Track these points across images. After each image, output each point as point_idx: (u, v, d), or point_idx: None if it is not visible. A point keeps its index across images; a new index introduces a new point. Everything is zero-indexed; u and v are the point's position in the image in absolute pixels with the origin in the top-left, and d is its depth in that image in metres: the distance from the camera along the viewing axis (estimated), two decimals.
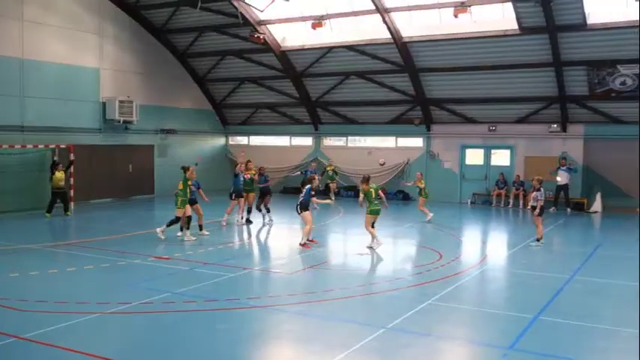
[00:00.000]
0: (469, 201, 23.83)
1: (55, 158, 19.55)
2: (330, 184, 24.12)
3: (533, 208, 14.46)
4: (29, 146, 19.99)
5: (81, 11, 22.30)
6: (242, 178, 17.23)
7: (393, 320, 8.40)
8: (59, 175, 18.59)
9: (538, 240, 14.45)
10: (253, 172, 17.86)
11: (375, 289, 10.33)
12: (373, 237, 13.70)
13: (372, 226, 13.81)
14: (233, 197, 17.19)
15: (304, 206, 13.92)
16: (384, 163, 24.24)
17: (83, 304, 8.95)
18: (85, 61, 22.45)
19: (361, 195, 14.21)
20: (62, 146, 20.79)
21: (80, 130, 22.10)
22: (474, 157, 24.29)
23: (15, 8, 20.00)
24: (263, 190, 18.05)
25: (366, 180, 14.03)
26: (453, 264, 12.33)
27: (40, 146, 20.28)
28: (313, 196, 14.36)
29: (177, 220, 14.47)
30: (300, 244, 13.85)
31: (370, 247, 13.65)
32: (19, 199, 19.38)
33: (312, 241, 14.17)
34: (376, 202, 13.80)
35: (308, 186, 14.11)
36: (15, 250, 13.30)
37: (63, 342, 7.38)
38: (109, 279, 10.95)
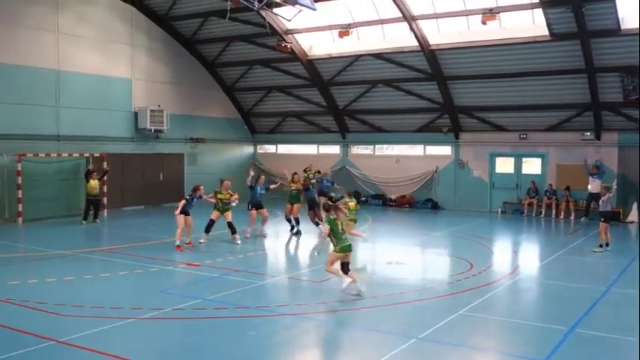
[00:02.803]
0: (499, 210, 23.53)
1: (90, 167, 19.88)
2: None
3: (603, 214, 14.83)
4: (65, 155, 20.49)
5: (114, 23, 22.77)
6: (258, 191, 16.54)
7: (425, 330, 8.34)
8: (93, 183, 18.94)
9: (601, 246, 14.73)
10: (299, 184, 17.84)
11: (405, 298, 10.25)
12: (348, 278, 10.28)
13: (345, 269, 10.29)
14: (250, 208, 16.55)
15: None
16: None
17: (118, 310, 9.10)
18: (118, 72, 22.90)
19: (325, 228, 10.44)
20: (96, 155, 21.29)
21: (113, 139, 22.53)
22: (505, 165, 24.00)
23: (50, 20, 20.51)
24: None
25: (329, 208, 10.66)
26: (485, 274, 12.20)
27: (74, 155, 20.77)
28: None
29: (213, 222, 15.46)
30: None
31: (357, 294, 10.09)
32: (54, 206, 19.77)
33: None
34: (344, 236, 10.34)
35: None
36: (52, 256, 13.58)
37: (99, 346, 7.51)
38: (142, 285, 11.11)
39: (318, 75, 25.06)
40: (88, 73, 21.67)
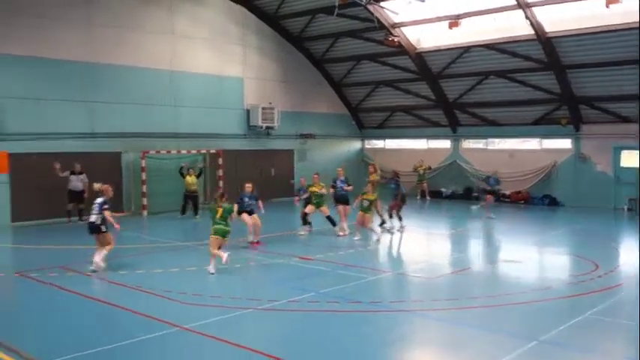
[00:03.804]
0: (625, 207, 21.88)
1: (184, 164, 20.51)
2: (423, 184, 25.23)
3: None
4: (183, 152, 21.62)
5: (226, 23, 23.64)
6: (338, 184, 16.53)
7: (547, 333, 7.92)
8: (190, 179, 19.66)
9: None
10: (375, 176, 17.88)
11: (524, 298, 9.78)
12: (212, 258, 11.43)
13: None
14: (335, 204, 16.57)
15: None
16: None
17: (236, 300, 9.46)
18: (231, 71, 23.76)
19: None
20: (212, 151, 22.27)
21: (227, 136, 23.45)
22: (631, 159, 22.25)
23: (166, 24, 21.66)
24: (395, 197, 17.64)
25: (221, 196, 12.06)
26: (612, 275, 11.39)
27: (192, 152, 21.86)
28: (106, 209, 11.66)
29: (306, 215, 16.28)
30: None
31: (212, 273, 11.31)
32: (173, 200, 20.86)
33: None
34: (222, 222, 11.60)
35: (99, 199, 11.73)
36: (174, 248, 14.38)
37: (220, 334, 7.83)
38: (257, 277, 11.51)
39: (426, 68, 24.62)
40: (203, 73, 22.66)
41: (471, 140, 26.53)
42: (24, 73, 18.06)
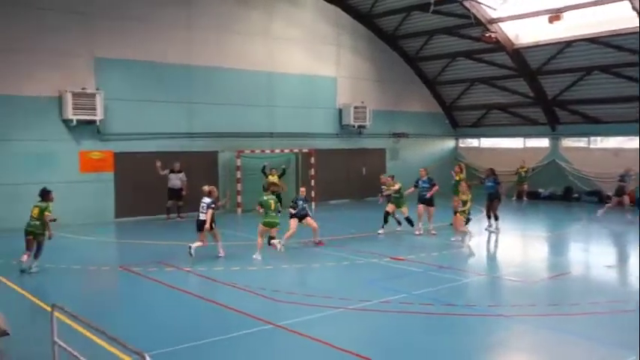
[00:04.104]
0: None
1: (266, 163, 20.77)
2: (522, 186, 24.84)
3: None
4: (277, 151, 22.08)
5: (320, 24, 23.85)
6: (420, 184, 16.46)
7: None
8: (272, 178, 19.89)
9: None
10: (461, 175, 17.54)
11: (630, 306, 9.17)
12: (259, 248, 12.90)
13: (269, 240, 13.12)
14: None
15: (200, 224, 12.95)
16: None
17: (328, 299, 9.51)
18: (324, 71, 23.96)
19: (258, 207, 13.36)
20: (304, 150, 22.60)
21: (319, 136, 23.71)
22: None
23: (263, 26, 22.15)
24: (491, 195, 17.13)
25: (270, 185, 13.94)
26: None
27: (285, 151, 22.29)
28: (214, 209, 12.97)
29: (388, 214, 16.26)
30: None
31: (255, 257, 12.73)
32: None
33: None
34: (273, 214, 13.00)
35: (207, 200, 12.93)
36: (267, 245, 14.65)
37: (311, 332, 7.90)
38: (349, 276, 11.52)
39: (524, 64, 23.69)
40: (297, 73, 23.01)
41: (571, 139, 25.27)
42: (127, 76, 19.09)
